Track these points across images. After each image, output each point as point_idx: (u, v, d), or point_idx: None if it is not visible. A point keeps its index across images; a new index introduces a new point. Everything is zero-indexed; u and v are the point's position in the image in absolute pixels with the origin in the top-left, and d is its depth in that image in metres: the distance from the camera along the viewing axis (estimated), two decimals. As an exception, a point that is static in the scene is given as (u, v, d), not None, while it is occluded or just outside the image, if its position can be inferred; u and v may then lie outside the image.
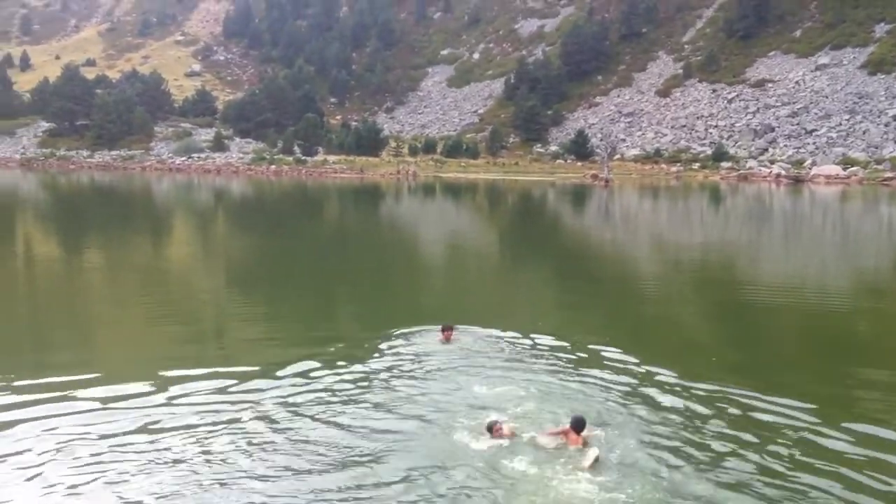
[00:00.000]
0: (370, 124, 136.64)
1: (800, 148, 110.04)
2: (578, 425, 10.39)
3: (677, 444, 10.54)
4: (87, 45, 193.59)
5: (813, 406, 11.92)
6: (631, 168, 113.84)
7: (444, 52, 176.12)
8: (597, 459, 9.80)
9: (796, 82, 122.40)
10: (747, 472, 9.69)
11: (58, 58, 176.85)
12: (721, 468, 9.81)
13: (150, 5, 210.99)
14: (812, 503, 9.13)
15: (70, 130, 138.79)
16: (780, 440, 10.71)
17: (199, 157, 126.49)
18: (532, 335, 16.23)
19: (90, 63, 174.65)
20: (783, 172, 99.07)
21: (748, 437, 10.77)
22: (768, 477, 9.55)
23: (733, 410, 11.80)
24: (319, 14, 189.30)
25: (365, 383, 13.06)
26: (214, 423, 11.10)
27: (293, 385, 12.89)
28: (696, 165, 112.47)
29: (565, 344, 15.60)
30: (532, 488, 9.27)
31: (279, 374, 13.44)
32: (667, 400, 12.25)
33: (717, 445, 10.51)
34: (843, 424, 11.17)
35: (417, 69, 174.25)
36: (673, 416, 11.50)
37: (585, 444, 10.34)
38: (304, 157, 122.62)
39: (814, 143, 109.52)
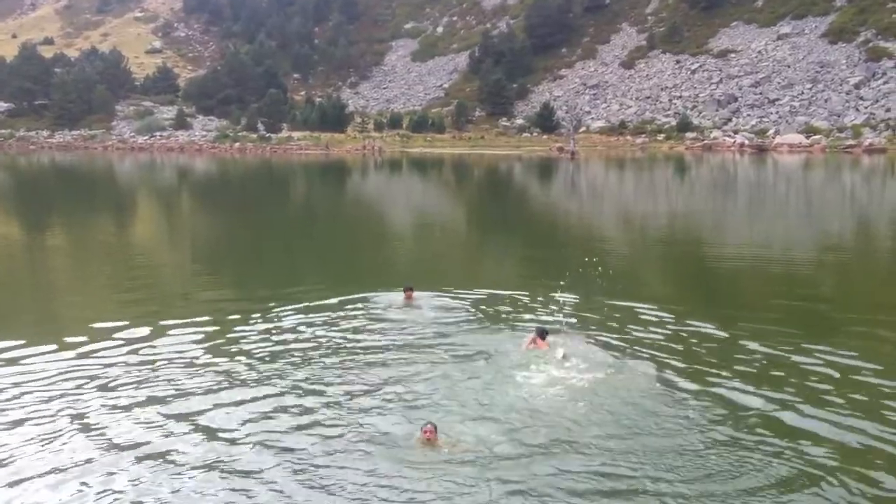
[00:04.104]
0: (334, 100, 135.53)
1: (763, 117, 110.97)
2: (542, 333, 13.03)
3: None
4: (44, 22, 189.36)
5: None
6: (596, 140, 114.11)
7: (408, 26, 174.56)
8: (564, 356, 12.38)
9: (759, 52, 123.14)
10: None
11: (14, 36, 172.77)
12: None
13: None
14: (766, 417, 10.12)
15: (29, 110, 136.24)
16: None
17: (161, 136, 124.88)
18: (489, 296, 16.97)
19: (48, 41, 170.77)
20: (747, 142, 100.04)
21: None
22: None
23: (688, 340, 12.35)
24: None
25: (320, 342, 13.52)
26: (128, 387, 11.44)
27: (252, 343, 13.43)
28: (660, 136, 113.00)
29: (528, 304, 16.14)
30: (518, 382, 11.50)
31: (231, 332, 14.03)
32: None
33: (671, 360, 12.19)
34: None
35: (381, 43, 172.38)
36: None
37: (550, 346, 12.83)
38: (268, 134, 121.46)
39: (777, 113, 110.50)
